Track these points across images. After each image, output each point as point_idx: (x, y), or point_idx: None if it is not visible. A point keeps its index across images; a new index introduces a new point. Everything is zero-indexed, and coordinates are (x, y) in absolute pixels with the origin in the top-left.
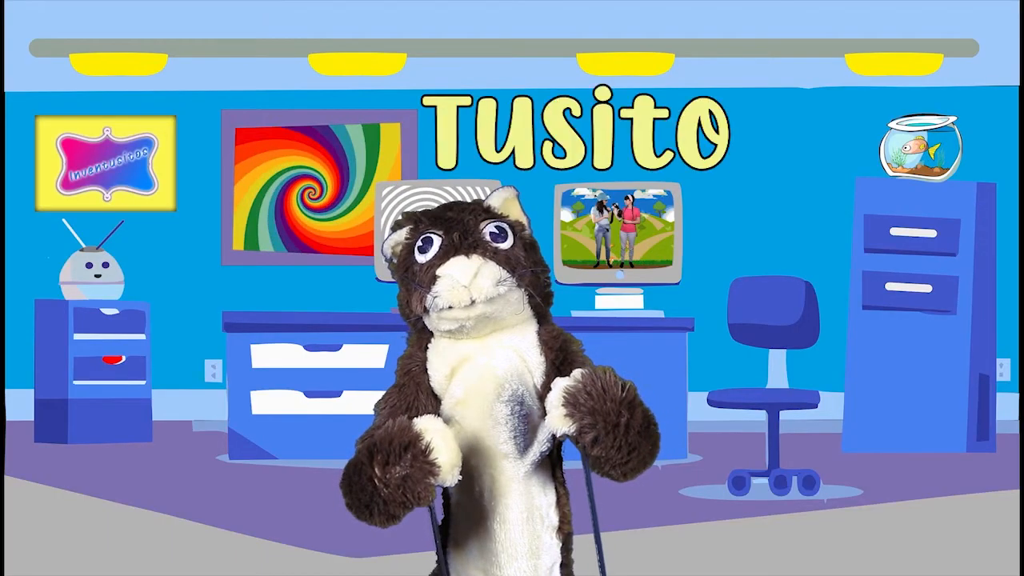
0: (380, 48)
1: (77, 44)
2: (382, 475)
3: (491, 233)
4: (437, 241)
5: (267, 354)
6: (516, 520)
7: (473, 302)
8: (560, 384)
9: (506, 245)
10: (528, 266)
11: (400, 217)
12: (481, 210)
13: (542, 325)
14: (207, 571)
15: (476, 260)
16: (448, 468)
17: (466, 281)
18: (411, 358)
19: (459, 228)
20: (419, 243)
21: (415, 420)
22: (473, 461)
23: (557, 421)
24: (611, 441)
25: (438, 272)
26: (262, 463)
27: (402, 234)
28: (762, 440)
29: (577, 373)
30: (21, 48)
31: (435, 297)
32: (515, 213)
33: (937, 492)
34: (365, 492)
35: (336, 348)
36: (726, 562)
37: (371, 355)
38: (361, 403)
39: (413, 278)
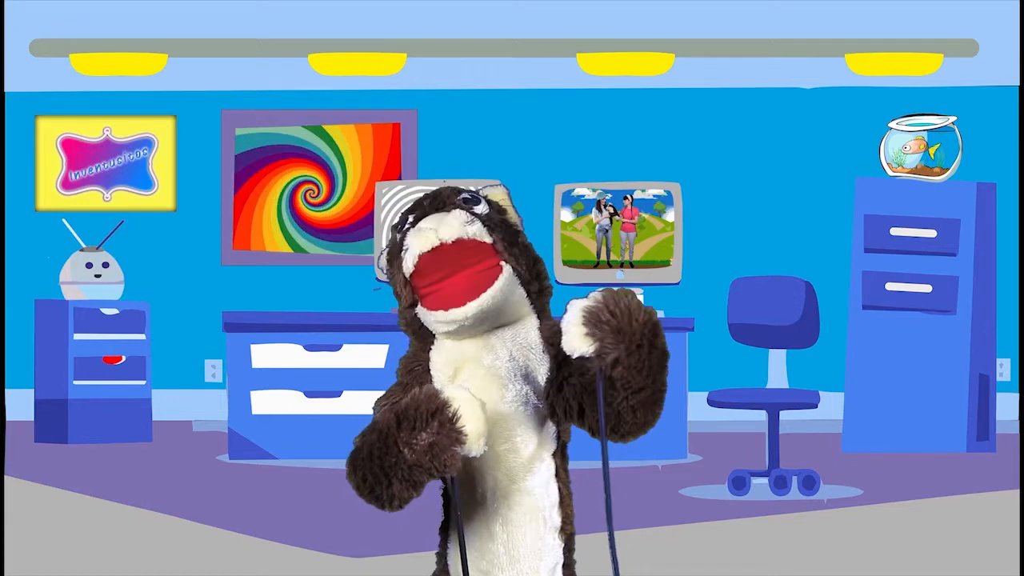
0: (380, 48)
1: (77, 44)
2: (408, 440)
3: (463, 198)
4: (412, 218)
5: (267, 354)
6: (519, 521)
7: (441, 242)
8: (578, 303)
9: (479, 208)
10: (501, 228)
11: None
12: (457, 188)
13: (542, 320)
14: (207, 571)
15: (443, 212)
16: (475, 437)
17: (432, 225)
18: (414, 358)
19: (429, 197)
20: (400, 226)
21: (442, 388)
22: (476, 462)
23: (576, 340)
24: (634, 362)
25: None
26: (262, 463)
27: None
28: (762, 440)
29: (596, 293)
30: (21, 48)
31: (406, 251)
32: (506, 207)
33: (937, 492)
34: (389, 457)
35: (336, 348)
36: (726, 562)
37: (371, 355)
38: (361, 403)
39: (395, 261)
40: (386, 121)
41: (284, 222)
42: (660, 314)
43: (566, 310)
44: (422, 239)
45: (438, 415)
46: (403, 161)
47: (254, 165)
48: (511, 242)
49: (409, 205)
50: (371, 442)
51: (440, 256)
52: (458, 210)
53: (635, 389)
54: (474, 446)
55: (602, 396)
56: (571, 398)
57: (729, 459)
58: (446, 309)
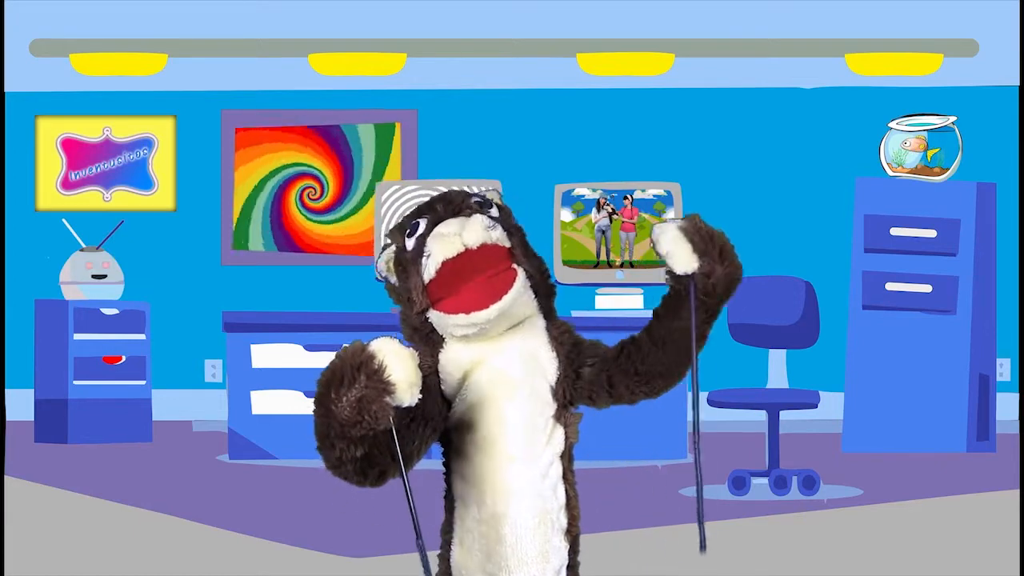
0: (380, 48)
1: (77, 44)
2: (337, 398)
3: (476, 202)
4: (424, 221)
5: (267, 354)
6: (527, 524)
7: (466, 248)
8: (669, 226)
9: (492, 212)
10: (515, 232)
11: (388, 240)
12: (465, 192)
13: (549, 321)
14: (207, 571)
15: (463, 217)
16: (405, 386)
17: (455, 231)
18: (421, 360)
19: (442, 201)
20: (407, 230)
21: (370, 342)
22: (485, 464)
23: (687, 257)
24: (728, 284)
25: (428, 240)
26: (262, 463)
27: (391, 248)
28: (762, 440)
29: (677, 220)
30: (21, 48)
31: (428, 256)
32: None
33: (937, 492)
34: (324, 421)
35: (336, 348)
36: (726, 562)
37: None
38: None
39: (406, 263)
40: (386, 121)
41: (287, 222)
42: None
43: (660, 231)
44: (446, 245)
45: (363, 368)
46: (403, 161)
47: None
48: (525, 244)
49: (414, 209)
50: (314, 412)
51: (463, 262)
52: (479, 215)
53: (722, 302)
54: (404, 395)
55: (695, 315)
56: (594, 380)
57: (729, 459)
58: (467, 312)
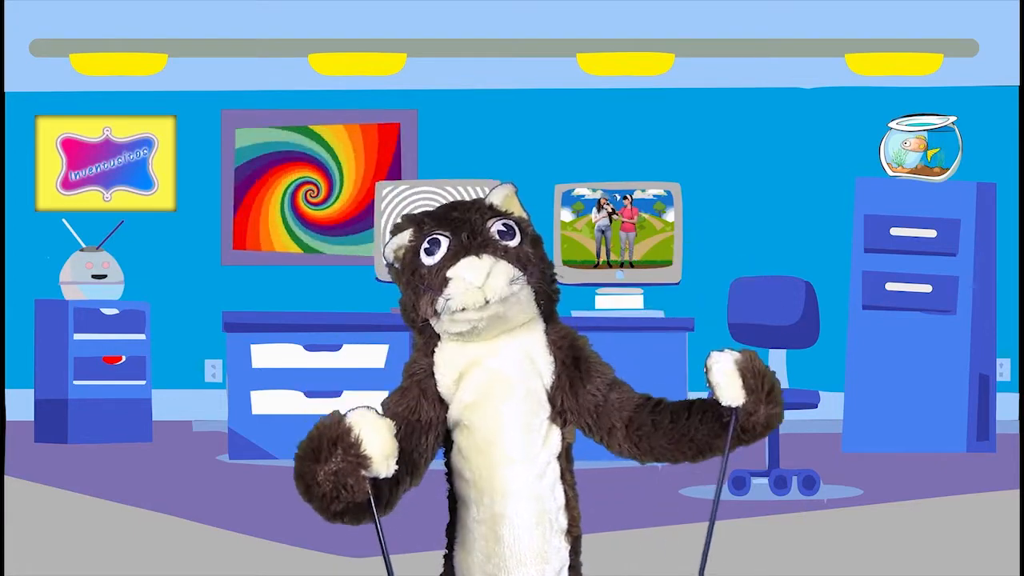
0: (380, 48)
1: (77, 44)
2: (314, 473)
3: (499, 231)
4: (445, 242)
5: (267, 354)
6: (525, 525)
7: (487, 302)
8: (728, 356)
9: (515, 243)
10: (537, 263)
11: (400, 220)
12: (486, 208)
13: (549, 324)
14: (207, 571)
15: (487, 260)
16: (380, 459)
17: (479, 282)
18: (416, 363)
19: (467, 228)
20: (425, 245)
21: (346, 414)
22: (482, 465)
23: (737, 392)
24: (769, 423)
25: (449, 274)
26: (262, 463)
27: (405, 236)
28: (762, 440)
29: (734, 352)
30: (21, 48)
31: (448, 299)
32: (516, 209)
33: (937, 492)
34: (308, 491)
35: (336, 348)
36: (726, 562)
37: (371, 355)
38: (361, 403)
39: (422, 281)
40: (386, 121)
41: (288, 222)
42: (660, 314)
43: (714, 361)
44: (469, 298)
45: (340, 442)
46: (403, 161)
47: (257, 171)
48: (541, 269)
49: (433, 212)
50: (295, 483)
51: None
52: (505, 264)
53: (756, 439)
54: (381, 467)
55: (728, 445)
56: (592, 423)
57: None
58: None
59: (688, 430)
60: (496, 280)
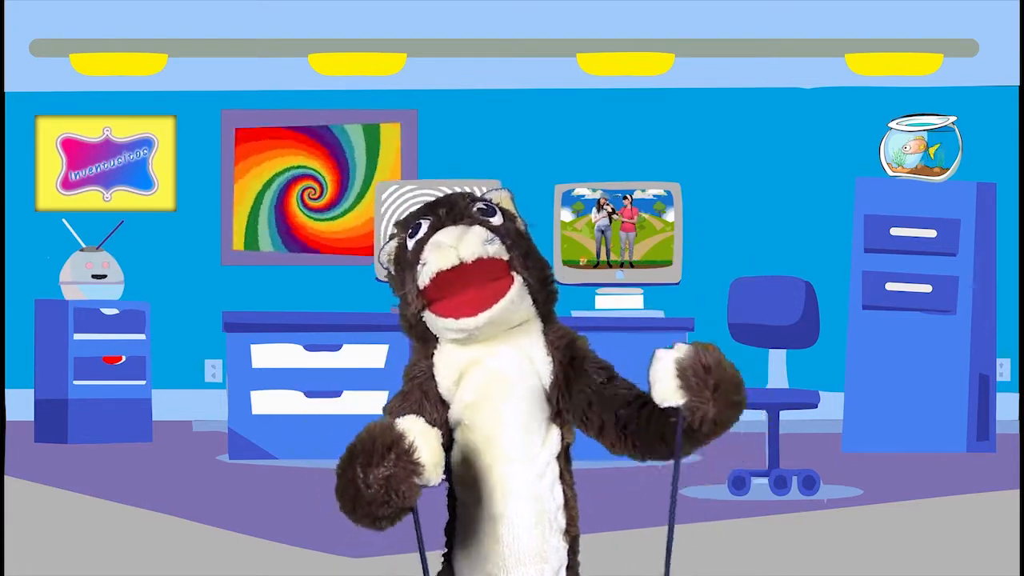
0: (380, 48)
1: (77, 44)
2: (364, 476)
3: (479, 209)
4: (425, 223)
5: (267, 354)
6: (524, 524)
7: (461, 261)
8: (669, 355)
9: (495, 220)
10: (517, 242)
11: (394, 229)
12: (471, 195)
13: (547, 325)
14: (207, 571)
15: (462, 227)
16: (431, 467)
17: (452, 242)
18: (415, 366)
19: (446, 206)
20: (409, 231)
21: (397, 420)
22: (481, 464)
23: (670, 392)
24: (723, 419)
25: (425, 245)
26: (262, 463)
27: (395, 240)
28: (762, 440)
29: (685, 346)
30: (21, 48)
31: (423, 265)
32: (510, 210)
33: (937, 492)
34: (348, 494)
35: (336, 348)
36: (726, 562)
37: (371, 355)
38: (361, 403)
39: (405, 265)
40: (386, 121)
41: (279, 222)
42: (660, 314)
43: (655, 359)
44: (442, 257)
45: (394, 447)
46: (403, 161)
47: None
48: (525, 254)
49: (419, 207)
50: (337, 482)
51: (457, 274)
52: (478, 227)
53: (709, 439)
54: (431, 476)
55: (680, 445)
56: (586, 420)
57: (729, 459)
58: (456, 318)
59: (657, 433)
60: (469, 238)
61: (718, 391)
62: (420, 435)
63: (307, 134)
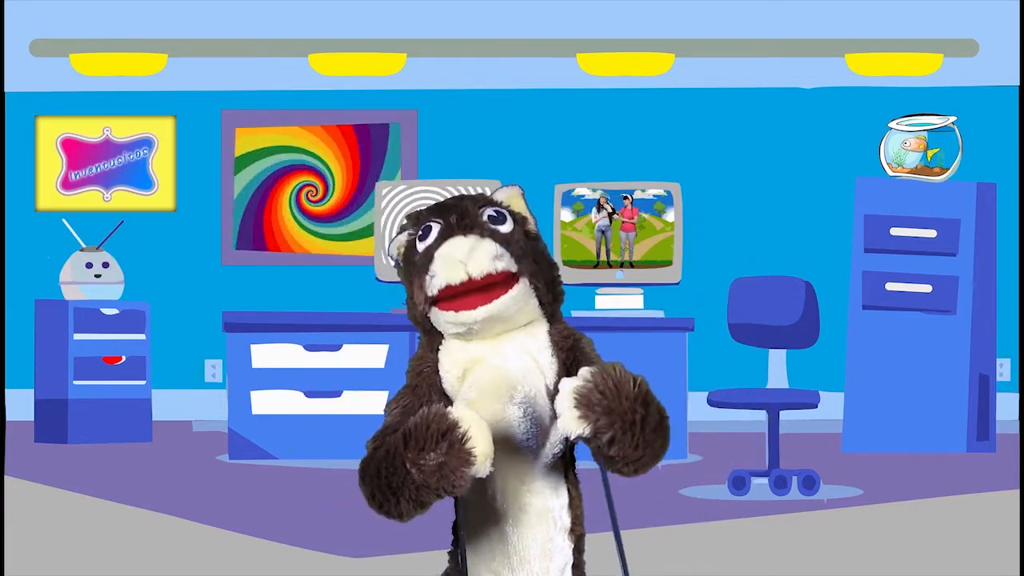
0: (380, 48)
1: (77, 44)
2: (416, 459)
3: (490, 216)
4: (436, 227)
5: (267, 354)
6: (529, 522)
7: (469, 277)
8: (569, 384)
9: (505, 228)
10: (528, 250)
11: (405, 220)
12: (482, 199)
13: (553, 324)
14: (207, 571)
15: (472, 238)
16: (483, 458)
17: (462, 257)
18: (422, 360)
19: (457, 212)
20: (419, 233)
21: (449, 409)
22: None
23: (571, 423)
24: (628, 440)
25: (435, 254)
26: (262, 463)
27: (406, 234)
28: (762, 440)
29: (586, 372)
30: (21, 48)
31: (432, 277)
32: (520, 210)
33: (937, 492)
34: (397, 477)
35: (336, 348)
36: (726, 562)
37: (371, 355)
38: (361, 403)
39: (413, 268)
40: (386, 121)
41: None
42: (660, 314)
43: (558, 390)
44: (451, 272)
45: (448, 436)
46: (403, 161)
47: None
48: (534, 260)
49: (432, 205)
50: (379, 459)
51: (464, 287)
52: (489, 242)
53: (633, 459)
54: (482, 467)
55: (604, 468)
56: None
57: (729, 459)
58: (457, 311)
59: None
60: (479, 254)
61: (613, 414)
62: (474, 424)
63: (314, 130)
